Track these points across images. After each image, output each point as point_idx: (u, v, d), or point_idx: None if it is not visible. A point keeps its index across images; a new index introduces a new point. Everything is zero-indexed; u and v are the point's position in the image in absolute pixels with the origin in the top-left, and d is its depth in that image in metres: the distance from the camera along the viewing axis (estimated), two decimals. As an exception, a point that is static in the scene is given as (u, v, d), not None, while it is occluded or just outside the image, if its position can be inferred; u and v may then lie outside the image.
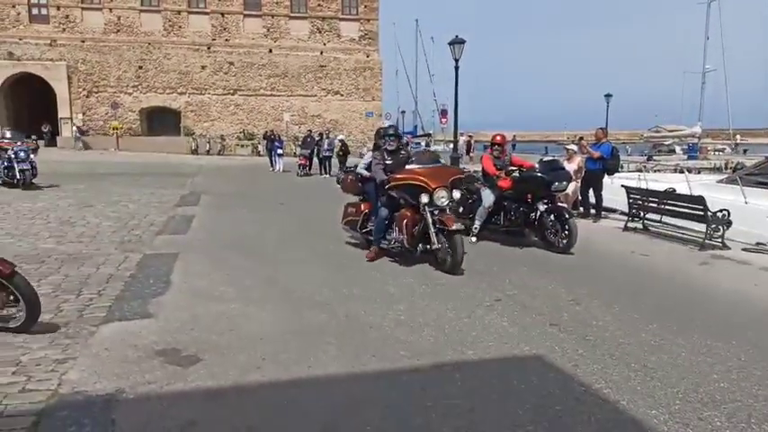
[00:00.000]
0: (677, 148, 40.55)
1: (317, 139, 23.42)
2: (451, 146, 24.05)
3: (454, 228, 6.63)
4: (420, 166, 7.30)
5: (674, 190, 10.54)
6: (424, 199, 6.78)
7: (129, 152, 31.96)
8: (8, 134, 15.85)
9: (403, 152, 7.72)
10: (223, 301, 5.41)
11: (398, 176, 7.16)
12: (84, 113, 36.53)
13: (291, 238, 8.89)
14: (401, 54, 63.96)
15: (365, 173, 7.93)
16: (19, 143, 15.07)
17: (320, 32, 39.72)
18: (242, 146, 36.11)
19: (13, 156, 14.38)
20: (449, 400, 3.50)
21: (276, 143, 24.38)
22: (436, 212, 6.84)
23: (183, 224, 9.93)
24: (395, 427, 3.22)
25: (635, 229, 9.93)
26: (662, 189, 10.67)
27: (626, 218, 10.29)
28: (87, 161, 25.32)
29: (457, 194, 7.19)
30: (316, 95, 39.58)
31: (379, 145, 7.90)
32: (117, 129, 34.80)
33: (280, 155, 24.11)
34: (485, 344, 4.47)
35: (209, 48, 38.20)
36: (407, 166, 7.31)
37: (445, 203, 6.90)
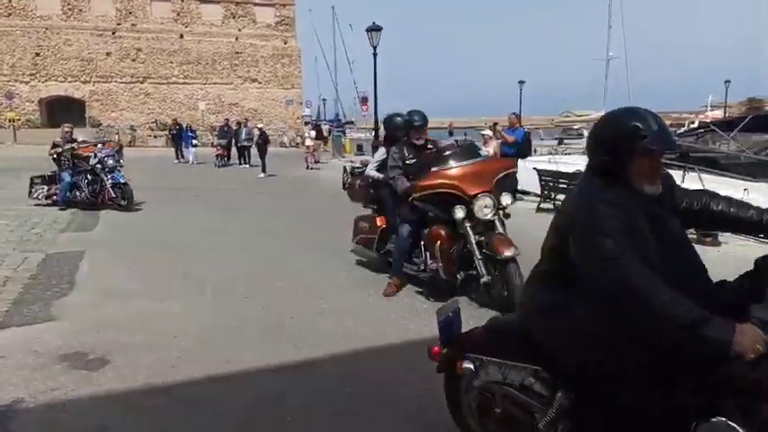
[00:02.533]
0: (585, 132, 42.81)
1: (234, 128, 22.81)
2: (373, 133, 24.11)
3: (507, 255, 4.75)
4: (453, 164, 5.21)
5: (581, 171, 11.12)
6: (459, 214, 4.90)
7: (28, 145, 29.62)
8: (80, 136, 11.45)
9: (431, 146, 5.71)
10: (134, 299, 5.15)
11: (424, 184, 5.13)
12: (-26, 104, 33.50)
13: (210, 232, 8.59)
14: (319, 41, 62.81)
15: (376, 174, 6.04)
16: (100, 145, 11.12)
17: (234, 18, 38.43)
18: (155, 137, 34.40)
19: (99, 166, 10.35)
20: (368, 388, 3.52)
21: (189, 133, 23.78)
22: (480, 229, 5.00)
23: (90, 220, 9.36)
24: (318, 414, 3.21)
25: (547, 210, 10.41)
26: (571, 171, 11.25)
27: (539, 199, 10.75)
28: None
29: (507, 199, 5.22)
30: (232, 83, 38.35)
31: (396, 137, 5.87)
32: (13, 120, 32.12)
33: (195, 145, 23.55)
34: (405, 327, 4.53)
35: (113, 33, 35.99)
36: (433, 168, 5.22)
37: (490, 215, 5.00)
